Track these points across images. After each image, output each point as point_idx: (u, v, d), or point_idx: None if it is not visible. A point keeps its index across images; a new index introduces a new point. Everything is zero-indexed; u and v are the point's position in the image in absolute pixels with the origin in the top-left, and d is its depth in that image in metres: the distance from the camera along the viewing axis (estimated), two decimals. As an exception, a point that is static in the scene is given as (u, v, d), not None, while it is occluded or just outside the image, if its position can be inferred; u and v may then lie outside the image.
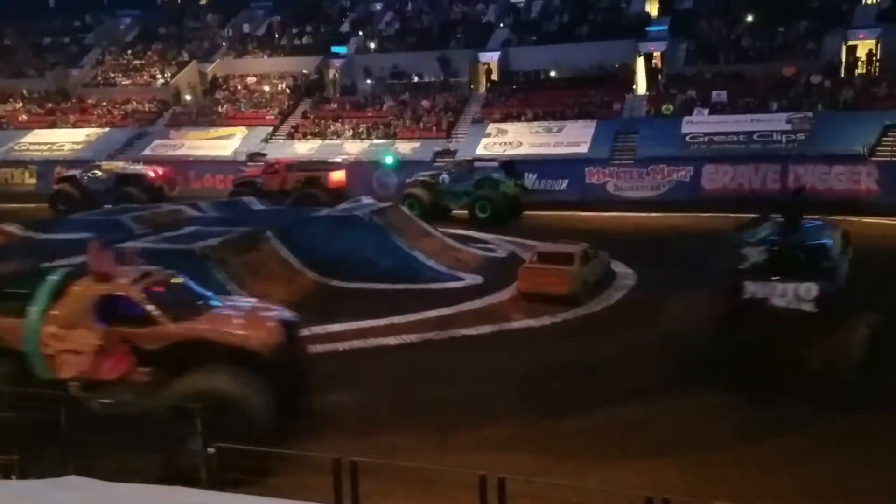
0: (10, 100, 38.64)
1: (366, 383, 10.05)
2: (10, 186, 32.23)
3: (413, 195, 23.24)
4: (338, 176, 25.12)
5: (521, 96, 32.35)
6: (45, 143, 34.40)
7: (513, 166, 24.15)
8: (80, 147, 33.82)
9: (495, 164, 24.30)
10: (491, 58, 34.99)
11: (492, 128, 30.36)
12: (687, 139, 27.25)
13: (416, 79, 34.91)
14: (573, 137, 28.61)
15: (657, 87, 31.51)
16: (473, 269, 16.19)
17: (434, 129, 31.44)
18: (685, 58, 31.88)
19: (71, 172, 27.18)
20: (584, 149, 27.94)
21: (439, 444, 8.12)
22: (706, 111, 28.26)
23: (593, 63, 31.75)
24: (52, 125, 36.03)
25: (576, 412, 8.90)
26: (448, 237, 18.51)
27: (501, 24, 36.70)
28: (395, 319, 12.64)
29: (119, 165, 27.36)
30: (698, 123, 27.69)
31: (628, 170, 26.70)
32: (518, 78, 33.99)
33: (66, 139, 34.59)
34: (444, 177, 23.80)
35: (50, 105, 37.77)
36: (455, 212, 23.57)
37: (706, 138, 27.06)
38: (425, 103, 33.04)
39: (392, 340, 11.84)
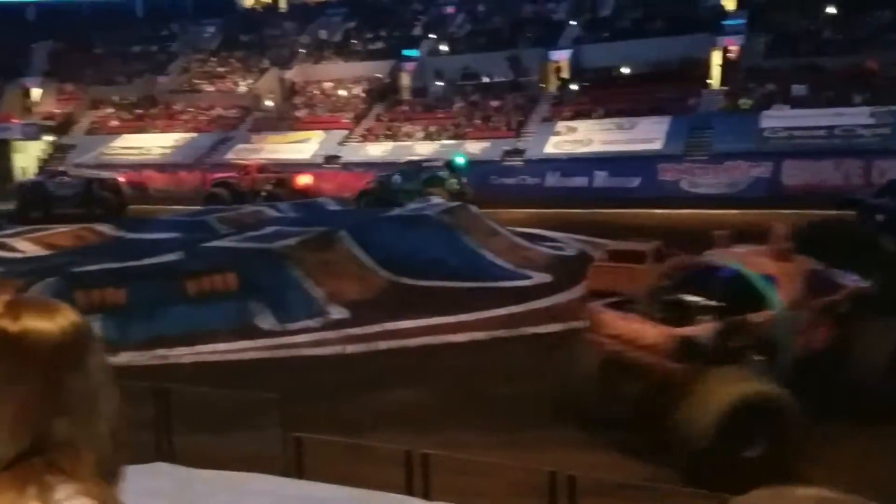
0: (102, 106, 40.73)
1: (435, 379, 10.26)
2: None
3: (369, 192, 25.33)
4: (304, 179, 27.49)
5: (591, 94, 32.10)
6: (135, 148, 36.24)
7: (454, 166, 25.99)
8: (167, 151, 35.47)
9: (440, 163, 26.11)
10: (561, 56, 34.81)
11: (561, 126, 30.24)
12: (765, 134, 26.47)
13: (486, 79, 35.08)
14: (646, 134, 28.22)
15: (733, 81, 30.70)
16: (542, 268, 16.25)
17: (503, 128, 31.55)
18: (763, 51, 30.95)
19: (36, 178, 28.32)
20: (657, 145, 27.51)
21: (508, 441, 8.21)
22: (786, 106, 27.38)
23: (667, 58, 31.20)
24: (141, 130, 37.87)
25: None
26: (516, 235, 18.61)
27: (572, 22, 36.46)
28: (464, 317, 12.83)
29: (88, 172, 28.47)
30: (777, 118, 26.85)
31: (703, 166, 26.13)
32: (589, 75, 33.72)
33: (154, 144, 36.33)
34: (397, 177, 25.69)
35: (139, 111, 39.64)
36: None
37: (786, 133, 26.21)
38: (494, 103, 33.18)
39: (461, 337, 12.03)
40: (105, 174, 28.50)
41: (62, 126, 39.09)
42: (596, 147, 28.29)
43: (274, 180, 26.90)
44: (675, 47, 31.18)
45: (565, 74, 34.49)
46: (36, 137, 37.71)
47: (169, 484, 4.96)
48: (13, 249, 15.97)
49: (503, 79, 34.70)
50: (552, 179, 27.92)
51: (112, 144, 36.78)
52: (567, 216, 22.62)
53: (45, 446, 1.00)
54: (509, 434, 8.38)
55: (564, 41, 35.21)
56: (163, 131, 37.50)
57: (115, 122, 39.24)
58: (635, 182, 26.63)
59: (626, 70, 32.79)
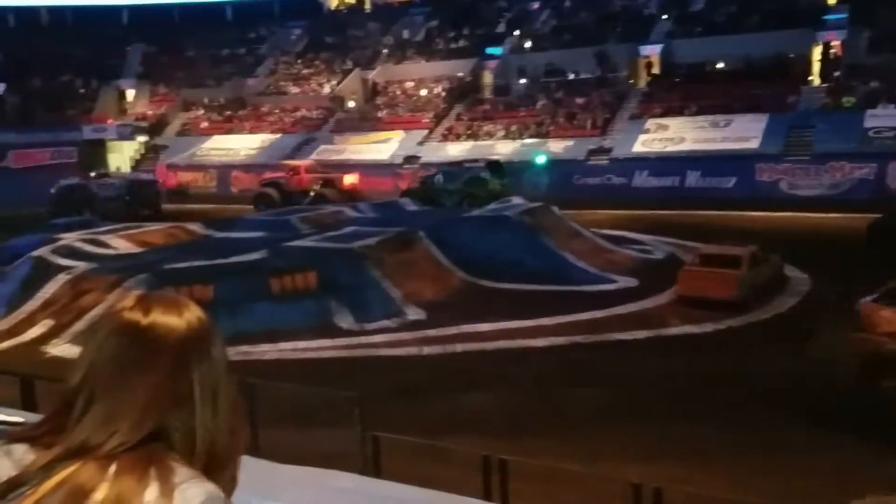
0: (193, 108, 42.18)
1: (513, 384, 9.94)
2: (194, 188, 35.32)
3: (413, 192, 25.79)
4: (350, 179, 27.99)
5: (684, 90, 30.90)
6: (224, 149, 37.30)
7: (499, 166, 26.33)
8: (254, 152, 36.36)
9: (482, 164, 26.61)
10: (652, 51, 33.70)
11: (651, 123, 29.22)
12: (870, 134, 24.75)
13: (571, 76, 34.35)
14: (742, 132, 26.90)
15: (836, 78, 28.90)
16: (627, 271, 15.60)
17: (588, 126, 30.77)
18: (866, 47, 29.00)
19: (80, 181, 29.09)
20: (754, 144, 26.17)
21: (584, 448, 7.86)
22: (892, 104, 25.59)
23: (764, 54, 29.68)
24: (230, 132, 38.96)
25: (724, 427, 8.23)
26: (601, 238, 17.99)
27: (664, 16, 35.28)
28: (544, 321, 12.43)
29: (130, 174, 30.56)
30: (883, 117, 25.08)
31: (804, 166, 24.67)
32: (681, 71, 32.52)
33: (242, 145, 37.31)
34: (440, 177, 26.44)
35: (228, 113, 40.82)
36: None
37: (892, 133, 24.43)
38: (579, 100, 32.42)
39: (539, 342, 11.65)
40: (145, 176, 30.32)
41: (155, 127, 40.70)
42: (688, 145, 27.17)
43: (321, 180, 27.48)
44: (773, 42, 29.61)
45: (656, 70, 33.38)
46: (130, 138, 39.40)
47: (252, 477, 4.86)
48: (108, 246, 16.57)
49: (589, 75, 33.88)
50: (640, 179, 26.99)
51: (202, 146, 37.97)
52: (656, 218, 21.75)
53: (167, 433, 1.07)
54: (585, 441, 8.01)
55: (655, 36, 34.08)
56: (250, 132, 38.45)
57: (205, 124, 40.51)
58: (730, 182, 25.40)
59: (720, 66, 31.44)
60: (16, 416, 5.31)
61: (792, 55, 29.67)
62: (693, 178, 24.38)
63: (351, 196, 25.89)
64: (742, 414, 8.64)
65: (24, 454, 1.05)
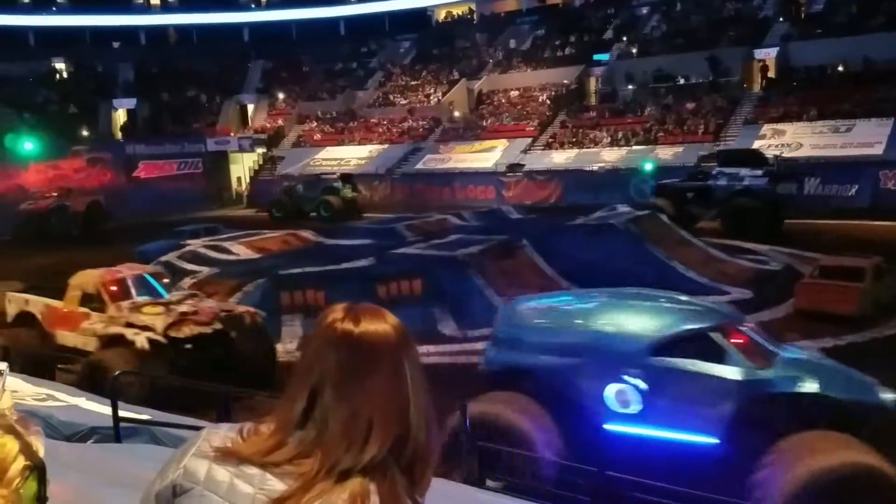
0: (308, 120, 44.00)
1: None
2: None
3: (278, 201, 31.29)
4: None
5: (802, 94, 29.47)
6: (335, 159, 38.69)
7: (350, 177, 31.59)
8: (363, 162, 37.50)
9: (335, 175, 32.44)
10: (768, 54, 32.35)
11: (767, 129, 28.04)
12: None
13: (681, 81, 33.46)
14: (865, 138, 25.37)
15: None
16: (741, 283, 15.04)
17: (700, 132, 29.86)
18: None
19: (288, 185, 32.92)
20: (878, 150, 24.62)
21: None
22: None
23: (889, 56, 27.85)
24: (341, 143, 40.37)
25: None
26: (713, 247, 17.44)
27: (781, 19, 33.80)
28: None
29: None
30: None
31: (933, 174, 23.02)
32: (799, 75, 31.03)
33: (352, 155, 38.58)
34: (300, 186, 31.74)
35: (339, 125, 42.31)
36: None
37: None
38: (690, 106, 31.52)
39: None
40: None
41: (272, 139, 42.75)
42: (806, 151, 25.87)
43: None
44: (899, 43, 27.74)
45: (772, 74, 32.01)
46: (250, 150, 41.56)
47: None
48: (230, 252, 17.61)
49: (701, 80, 32.88)
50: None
51: (316, 156, 39.53)
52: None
53: (403, 450, 1.18)
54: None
55: (771, 39, 32.70)
56: (360, 143, 39.69)
57: (318, 136, 42.15)
58: (852, 190, 23.99)
59: (840, 69, 29.76)
60: (144, 415, 5.81)
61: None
62: (812, 186, 23.14)
63: (353, 206, 29.79)
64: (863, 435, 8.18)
65: (262, 476, 1.14)
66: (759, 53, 32.53)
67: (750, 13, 35.41)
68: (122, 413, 5.19)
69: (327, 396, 1.17)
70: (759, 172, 21.29)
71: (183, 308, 10.54)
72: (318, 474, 1.13)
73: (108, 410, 5.29)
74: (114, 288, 11.09)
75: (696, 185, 22.05)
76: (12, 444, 1.26)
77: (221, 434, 1.23)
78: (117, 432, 5.00)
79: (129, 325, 10.17)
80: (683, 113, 31.33)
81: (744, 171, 21.39)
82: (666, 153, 29.04)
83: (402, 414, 1.19)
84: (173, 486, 1.19)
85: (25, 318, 12.08)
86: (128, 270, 11.84)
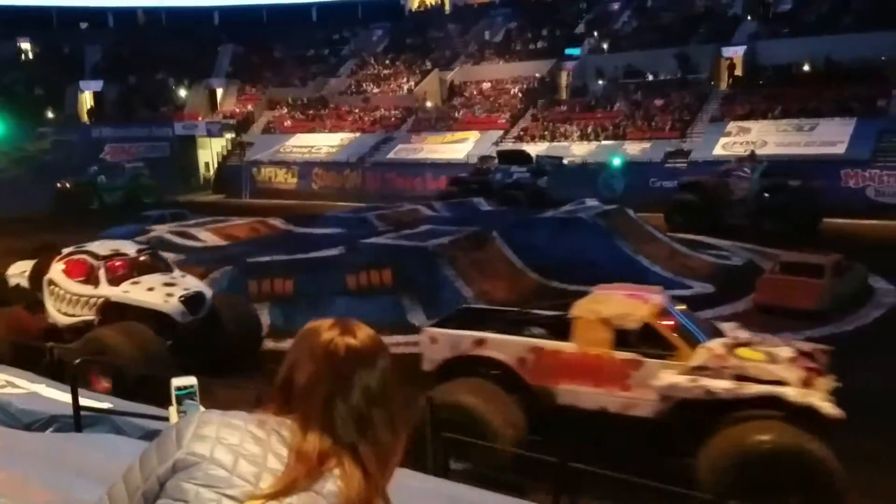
0: (278, 107, 43.57)
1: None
2: (275, 184, 36.51)
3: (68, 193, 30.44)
4: None
5: (768, 92, 29.95)
6: (305, 146, 38.38)
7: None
8: (334, 150, 37.26)
9: (142, 164, 33.06)
10: (735, 52, 32.81)
11: (732, 126, 28.46)
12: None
13: (650, 77, 33.80)
14: (828, 136, 25.89)
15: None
16: (703, 277, 15.34)
17: (667, 129, 30.23)
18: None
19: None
20: (840, 149, 25.16)
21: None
22: None
23: (855, 56, 28.43)
24: (312, 130, 40.03)
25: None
26: (677, 242, 17.72)
27: (749, 17, 34.28)
28: (616, 325, 12.34)
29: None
30: None
31: (893, 173, 23.57)
32: (766, 73, 31.54)
33: (323, 143, 38.30)
34: (102, 177, 31.01)
35: (310, 111, 41.96)
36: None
37: None
38: (658, 102, 31.87)
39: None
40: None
41: (242, 124, 42.23)
42: (771, 149, 26.31)
43: None
44: (864, 44, 28.27)
45: (739, 72, 32.48)
46: (218, 135, 41.02)
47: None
48: (196, 239, 17.41)
49: (669, 77, 33.25)
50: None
51: (286, 143, 39.17)
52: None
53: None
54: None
55: (739, 37, 33.16)
56: (331, 131, 39.40)
57: (288, 122, 41.74)
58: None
59: (806, 68, 30.32)
60: (105, 403, 5.68)
61: (884, 57, 28.29)
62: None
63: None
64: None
65: (264, 455, 1.26)
66: (728, 51, 32.96)
67: (720, 10, 35.84)
68: (82, 401, 5.14)
69: (342, 407, 1.30)
70: (524, 169, 25.90)
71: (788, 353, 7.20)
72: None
73: (68, 398, 5.24)
74: (669, 323, 7.66)
75: (479, 179, 26.44)
76: None
77: (218, 419, 1.29)
78: (78, 421, 4.96)
79: (741, 377, 6.86)
80: (652, 109, 31.66)
81: (514, 168, 26.01)
82: (634, 148, 29.35)
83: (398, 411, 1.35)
84: (173, 463, 1.25)
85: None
86: (658, 295, 8.32)
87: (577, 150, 30.58)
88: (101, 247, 11.31)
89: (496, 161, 27.34)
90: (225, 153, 40.76)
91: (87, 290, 10.65)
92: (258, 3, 50.84)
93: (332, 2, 50.32)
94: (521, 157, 26.97)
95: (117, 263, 10.92)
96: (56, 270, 10.88)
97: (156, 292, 10.50)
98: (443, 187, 29.12)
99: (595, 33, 38.29)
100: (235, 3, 50.96)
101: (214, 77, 46.15)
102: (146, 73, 44.47)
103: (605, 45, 37.15)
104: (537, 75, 37.50)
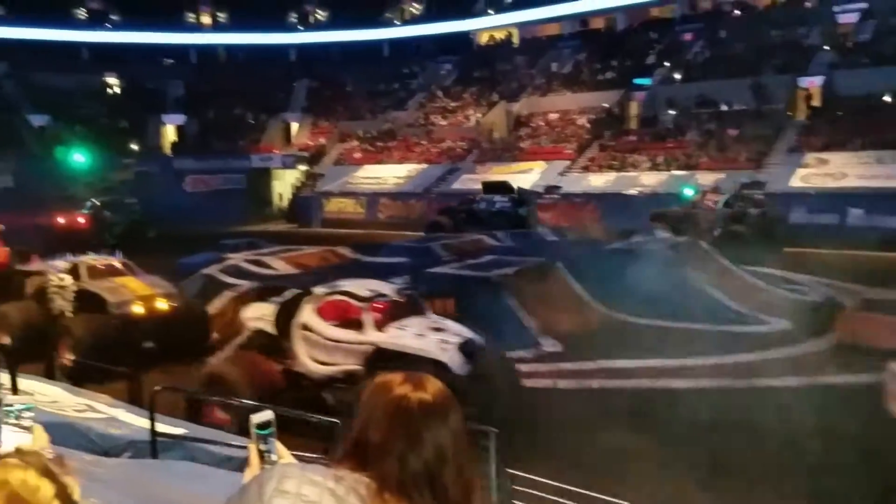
0: (348, 139, 44.59)
1: (652, 427, 9.66)
2: (344, 214, 37.24)
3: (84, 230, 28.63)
4: None
5: (847, 123, 28.95)
6: (373, 178, 39.08)
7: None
8: (401, 181, 37.81)
9: (135, 200, 31.66)
10: (812, 82, 31.93)
11: (810, 157, 27.59)
12: None
13: (723, 107, 33.15)
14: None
15: None
16: (780, 313, 14.75)
17: (741, 159, 29.49)
18: None
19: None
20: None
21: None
22: None
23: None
24: (380, 162, 40.78)
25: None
26: (752, 276, 17.17)
27: (826, 47, 33.34)
28: (687, 361, 11.99)
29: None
30: None
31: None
32: (844, 104, 30.51)
33: (391, 174, 38.94)
34: (108, 213, 30.18)
35: (379, 144, 42.77)
36: None
37: None
38: (732, 132, 31.17)
39: (682, 384, 11.24)
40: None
41: (314, 157, 43.40)
42: (851, 182, 25.37)
43: None
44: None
45: (816, 102, 31.53)
46: (292, 167, 42.24)
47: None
48: (269, 267, 17.84)
49: (744, 107, 32.54)
50: (797, 215, 25.44)
51: (355, 175, 39.99)
52: (814, 257, 20.45)
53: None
54: (725, 497, 7.63)
55: (816, 67, 32.27)
56: (398, 162, 40.06)
57: (358, 154, 42.66)
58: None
59: (887, 98, 29.21)
60: (181, 429, 5.90)
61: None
62: (856, 217, 22.67)
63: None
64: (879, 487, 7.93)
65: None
66: (804, 81, 32.10)
67: (795, 41, 35.01)
68: (158, 427, 5.30)
69: (415, 463, 1.30)
70: (506, 199, 27.18)
71: None
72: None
73: (146, 423, 5.41)
74: None
75: (465, 208, 27.79)
76: (47, 488, 1.22)
77: (299, 474, 1.32)
78: (154, 447, 5.11)
79: None
80: (725, 139, 30.99)
81: (497, 198, 27.39)
82: (706, 179, 28.71)
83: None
84: None
85: None
86: None
87: (647, 179, 30.14)
88: (359, 287, 10.22)
89: (482, 192, 28.87)
90: (297, 184, 41.86)
91: (351, 335, 9.44)
92: (333, 41, 52.45)
93: (404, 38, 51.44)
94: (504, 188, 28.43)
95: (380, 306, 9.86)
96: (309, 314, 9.76)
97: (428, 339, 9.32)
98: (553, 217, 29.44)
99: (666, 63, 37.89)
100: (311, 40, 52.73)
101: (290, 111, 47.70)
102: (225, 107, 46.33)
103: (676, 75, 36.71)
104: (605, 105, 37.29)
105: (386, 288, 10.32)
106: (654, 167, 31.06)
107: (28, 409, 1.49)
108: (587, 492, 6.64)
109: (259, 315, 10.43)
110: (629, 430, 9.33)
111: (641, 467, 8.31)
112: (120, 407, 6.38)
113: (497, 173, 35.23)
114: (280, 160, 42.46)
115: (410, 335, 9.29)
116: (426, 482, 1.29)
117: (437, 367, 8.76)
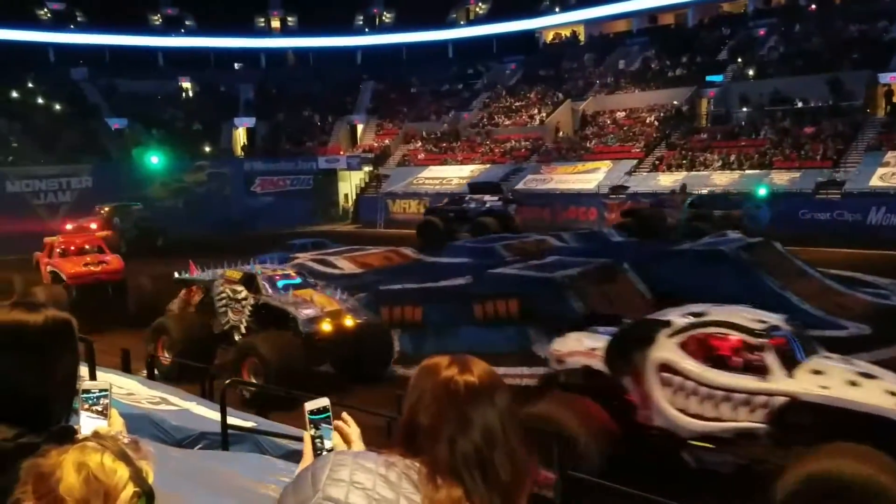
0: (413, 140, 44.90)
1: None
2: (408, 214, 37.52)
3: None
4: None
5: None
6: (437, 178, 39.21)
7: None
8: (465, 182, 37.82)
9: (141, 205, 31.08)
10: (893, 78, 30.48)
11: (891, 156, 26.33)
12: None
13: (799, 104, 31.95)
14: None
15: None
16: (859, 317, 14.11)
17: (818, 158, 28.37)
18: None
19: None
20: None
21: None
22: None
23: None
24: (444, 162, 40.90)
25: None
26: (830, 278, 16.48)
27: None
28: (760, 366, 11.58)
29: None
30: None
31: None
32: (930, 99, 29.05)
33: (454, 174, 38.98)
34: (117, 219, 28.87)
35: (443, 144, 42.89)
36: None
37: None
38: (808, 130, 30.02)
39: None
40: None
41: (379, 158, 43.89)
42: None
43: None
44: None
45: (898, 98, 30.11)
46: (358, 168, 42.83)
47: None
48: (335, 266, 18.14)
49: (820, 104, 31.29)
50: (877, 216, 24.37)
51: (419, 175, 40.23)
52: (894, 259, 19.49)
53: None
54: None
55: (898, 61, 30.82)
56: (462, 163, 40.08)
57: (422, 155, 42.87)
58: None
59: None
60: (251, 422, 6.04)
61: None
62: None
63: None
64: None
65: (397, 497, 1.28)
66: (885, 78, 30.67)
67: (874, 35, 33.48)
68: (229, 420, 5.45)
69: (464, 445, 1.30)
70: (496, 198, 28.03)
71: None
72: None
73: (217, 416, 5.58)
74: None
75: (455, 208, 28.28)
76: (123, 471, 1.27)
77: (351, 461, 1.32)
78: (225, 439, 5.26)
79: None
80: (801, 137, 29.88)
81: (487, 198, 28.07)
82: (782, 178, 27.76)
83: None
84: None
85: None
86: None
87: (719, 179, 29.33)
88: (740, 316, 7.61)
89: (469, 193, 29.71)
90: (363, 185, 42.41)
91: (751, 383, 6.96)
92: (398, 42, 52.95)
93: (469, 38, 51.50)
94: (492, 189, 29.27)
95: (779, 342, 7.19)
96: (671, 349, 7.40)
97: (867, 390, 6.57)
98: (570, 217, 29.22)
99: (739, 59, 36.80)
100: (377, 42, 53.38)
101: (356, 113, 48.38)
102: (293, 109, 47.35)
103: (749, 72, 35.60)
104: (675, 103, 36.46)
105: (773, 318, 7.75)
106: (727, 166, 30.19)
107: (105, 396, 1.55)
108: (652, 497, 6.47)
109: (580, 350, 8.39)
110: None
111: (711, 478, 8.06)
112: (192, 400, 6.59)
113: (562, 173, 34.92)
114: (346, 161, 43.10)
115: (842, 384, 6.73)
116: (477, 464, 1.28)
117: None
